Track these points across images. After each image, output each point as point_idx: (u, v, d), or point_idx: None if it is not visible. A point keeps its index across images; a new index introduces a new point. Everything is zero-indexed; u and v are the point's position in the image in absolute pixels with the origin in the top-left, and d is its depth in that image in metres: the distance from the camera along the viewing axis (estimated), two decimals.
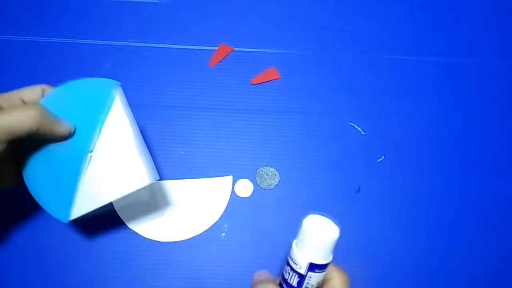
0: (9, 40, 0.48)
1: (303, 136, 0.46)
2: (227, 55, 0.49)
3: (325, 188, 0.44)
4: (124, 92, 0.46)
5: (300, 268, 0.32)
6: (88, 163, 0.35)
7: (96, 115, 0.35)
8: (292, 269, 0.32)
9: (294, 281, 0.32)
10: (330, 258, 0.32)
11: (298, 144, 0.46)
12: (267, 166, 0.44)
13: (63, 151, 0.35)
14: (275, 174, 0.44)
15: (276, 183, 0.44)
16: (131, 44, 0.49)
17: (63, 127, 0.34)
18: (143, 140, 0.37)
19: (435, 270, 0.42)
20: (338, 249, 0.41)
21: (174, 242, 0.42)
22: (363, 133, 0.47)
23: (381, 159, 0.46)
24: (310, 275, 0.32)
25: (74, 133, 0.35)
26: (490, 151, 0.47)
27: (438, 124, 0.47)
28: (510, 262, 0.43)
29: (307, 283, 0.32)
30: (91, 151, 0.35)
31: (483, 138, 0.47)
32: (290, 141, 0.46)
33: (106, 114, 0.35)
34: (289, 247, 0.32)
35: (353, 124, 0.47)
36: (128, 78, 0.47)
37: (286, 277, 0.32)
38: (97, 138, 0.35)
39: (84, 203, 0.34)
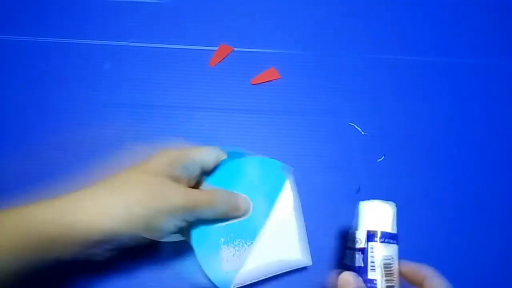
0: (9, 40, 0.48)
1: (303, 136, 0.46)
2: (227, 55, 0.49)
3: (325, 188, 0.44)
4: (124, 92, 0.46)
5: (360, 242, 0.31)
6: (258, 239, 0.37)
7: (268, 194, 0.38)
8: (354, 249, 0.31)
9: (359, 260, 0.32)
10: (391, 230, 0.32)
11: (298, 144, 0.46)
12: None
13: (233, 225, 0.37)
14: None
15: None
16: (131, 44, 0.49)
17: (243, 211, 0.37)
18: (303, 219, 0.39)
19: (436, 269, 0.42)
20: (338, 249, 0.41)
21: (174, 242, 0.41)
22: (363, 133, 0.47)
23: (381, 159, 0.46)
24: (371, 245, 0.31)
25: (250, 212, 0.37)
26: (491, 151, 0.47)
27: (438, 124, 0.47)
28: (510, 263, 0.43)
29: (372, 257, 0.31)
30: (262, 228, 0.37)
31: (483, 138, 0.47)
32: (290, 141, 0.46)
33: (277, 196, 0.38)
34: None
35: (353, 124, 0.47)
36: (128, 78, 0.47)
37: (351, 264, 0.32)
38: (268, 217, 0.37)
39: (247, 275, 0.36)
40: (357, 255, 0.32)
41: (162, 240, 0.35)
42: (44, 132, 0.44)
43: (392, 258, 0.33)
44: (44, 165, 0.43)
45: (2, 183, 0.42)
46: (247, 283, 0.36)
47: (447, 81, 0.49)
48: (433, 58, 0.50)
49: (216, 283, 0.36)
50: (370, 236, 0.31)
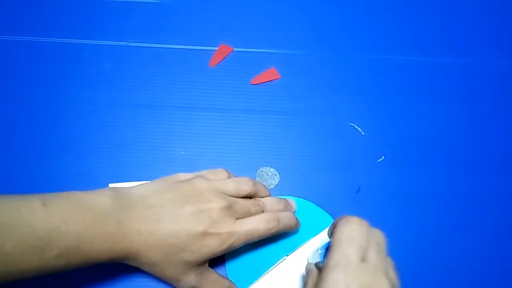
0: (9, 40, 0.48)
1: (303, 136, 0.46)
2: (227, 55, 0.49)
3: (325, 188, 0.44)
4: (124, 92, 0.47)
5: None
6: (279, 264, 0.40)
7: (306, 233, 0.41)
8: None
9: None
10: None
11: (298, 144, 0.46)
12: (267, 166, 0.44)
13: (264, 247, 0.40)
14: (275, 174, 0.44)
15: (276, 183, 0.44)
16: (131, 44, 0.49)
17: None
18: None
19: (435, 269, 0.42)
20: None
21: None
22: (363, 133, 0.47)
23: (381, 159, 0.46)
24: None
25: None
26: (492, 151, 0.47)
27: (439, 124, 0.47)
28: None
29: None
30: (287, 255, 0.40)
31: (484, 138, 0.47)
32: (290, 141, 0.46)
33: (313, 236, 0.41)
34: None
35: (353, 124, 0.47)
36: (128, 78, 0.47)
37: None
38: (296, 249, 0.40)
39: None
40: None
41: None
42: (44, 132, 0.44)
43: None
44: (45, 165, 0.43)
45: (2, 183, 0.42)
46: None
47: (448, 81, 0.49)
48: (434, 58, 0.50)
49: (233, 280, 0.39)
50: None
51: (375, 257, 0.31)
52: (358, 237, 0.32)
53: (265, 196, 0.40)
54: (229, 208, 0.35)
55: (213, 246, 0.34)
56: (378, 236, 0.33)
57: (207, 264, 0.36)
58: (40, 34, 0.48)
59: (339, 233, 0.32)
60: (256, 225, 0.35)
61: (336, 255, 0.31)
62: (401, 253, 0.42)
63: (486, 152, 0.47)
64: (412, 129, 0.47)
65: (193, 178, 0.37)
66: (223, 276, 0.38)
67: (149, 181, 0.37)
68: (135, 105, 0.46)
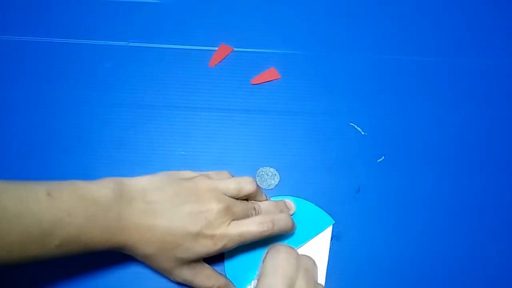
0: (9, 40, 0.48)
1: (303, 136, 0.46)
2: (227, 55, 0.49)
3: (325, 188, 0.44)
4: (124, 92, 0.47)
5: None
6: None
7: (305, 233, 0.41)
8: None
9: None
10: None
11: (298, 144, 0.46)
12: (267, 166, 0.44)
13: (264, 247, 0.39)
14: (275, 174, 0.44)
15: (276, 183, 0.44)
16: (131, 44, 0.49)
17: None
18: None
19: (435, 270, 0.42)
20: (337, 250, 0.41)
21: None
22: (363, 133, 0.47)
23: (381, 159, 0.46)
24: None
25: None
26: (492, 151, 0.47)
27: (438, 124, 0.47)
28: None
29: None
30: None
31: (484, 138, 0.47)
32: (290, 141, 0.46)
33: (313, 237, 0.41)
34: None
35: (353, 124, 0.47)
36: (128, 78, 0.47)
37: None
38: (297, 248, 0.40)
39: None
40: None
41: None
42: (44, 132, 0.44)
43: None
44: (44, 165, 0.43)
45: None
46: None
47: (448, 81, 0.49)
48: (434, 58, 0.50)
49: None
50: None
51: (304, 284, 0.32)
52: (285, 266, 0.32)
53: (263, 200, 0.40)
54: (227, 210, 0.35)
55: (206, 246, 0.34)
56: (306, 263, 0.34)
57: (201, 260, 0.37)
58: (40, 34, 0.48)
59: (266, 262, 0.33)
60: (249, 227, 0.36)
61: (262, 284, 0.32)
62: (401, 253, 0.42)
63: (487, 152, 0.47)
64: (412, 129, 0.47)
65: (196, 176, 0.38)
66: (218, 273, 0.38)
67: (153, 174, 0.38)
68: (135, 105, 0.46)
